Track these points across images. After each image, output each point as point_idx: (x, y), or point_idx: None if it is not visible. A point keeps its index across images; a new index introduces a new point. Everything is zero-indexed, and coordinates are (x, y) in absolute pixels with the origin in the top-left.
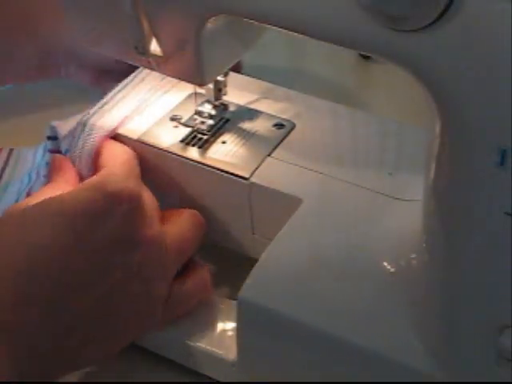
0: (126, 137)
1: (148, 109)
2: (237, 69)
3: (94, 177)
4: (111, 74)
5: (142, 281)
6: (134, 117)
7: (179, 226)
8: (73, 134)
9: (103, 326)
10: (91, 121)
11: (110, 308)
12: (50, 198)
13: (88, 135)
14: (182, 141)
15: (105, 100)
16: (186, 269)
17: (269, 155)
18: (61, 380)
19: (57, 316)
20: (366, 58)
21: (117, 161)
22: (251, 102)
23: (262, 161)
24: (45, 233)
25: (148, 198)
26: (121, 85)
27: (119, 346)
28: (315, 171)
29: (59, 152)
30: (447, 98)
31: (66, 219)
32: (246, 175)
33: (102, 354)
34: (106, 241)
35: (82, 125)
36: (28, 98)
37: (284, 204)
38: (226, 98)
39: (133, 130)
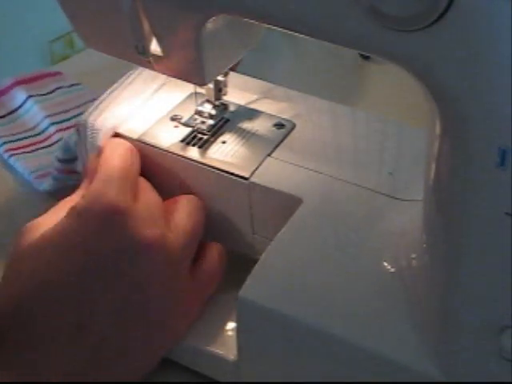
0: (126, 137)
1: (148, 108)
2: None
3: (81, 195)
4: None
5: (157, 285)
6: (134, 115)
7: (180, 214)
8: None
9: (131, 339)
10: (90, 120)
11: (140, 320)
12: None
13: (92, 136)
14: (182, 141)
15: (102, 98)
16: (197, 253)
17: (269, 155)
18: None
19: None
20: (366, 57)
21: (109, 167)
22: (251, 102)
23: (262, 161)
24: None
25: (150, 198)
26: (118, 83)
27: (157, 356)
28: (315, 171)
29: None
30: (447, 97)
31: (63, 253)
32: (246, 175)
33: (137, 369)
34: (103, 257)
35: (83, 125)
36: None
37: (284, 204)
38: (226, 98)
39: (133, 129)
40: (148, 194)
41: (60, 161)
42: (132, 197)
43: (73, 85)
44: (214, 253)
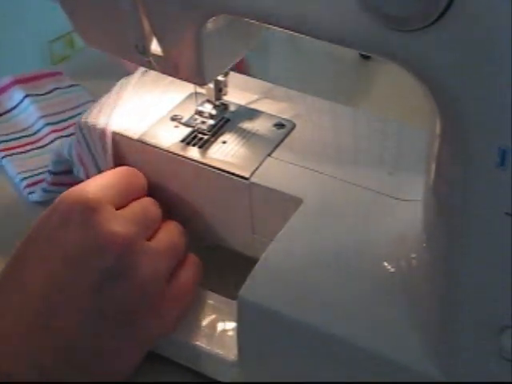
0: (126, 137)
1: (148, 109)
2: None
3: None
4: None
5: (133, 282)
6: (136, 115)
7: (164, 232)
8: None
9: (108, 338)
10: (91, 121)
11: (110, 318)
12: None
13: (95, 137)
14: (182, 141)
15: (104, 100)
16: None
17: (269, 155)
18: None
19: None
20: (366, 57)
21: (101, 176)
22: (251, 102)
23: (263, 161)
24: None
25: (139, 208)
26: (117, 85)
27: (134, 356)
28: (315, 171)
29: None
30: (447, 97)
31: (36, 235)
32: (246, 175)
33: (116, 367)
34: (70, 249)
35: (84, 125)
36: None
37: (284, 204)
38: (226, 98)
39: (133, 129)
40: (139, 205)
41: (52, 173)
42: (114, 202)
43: (71, 85)
44: (191, 265)
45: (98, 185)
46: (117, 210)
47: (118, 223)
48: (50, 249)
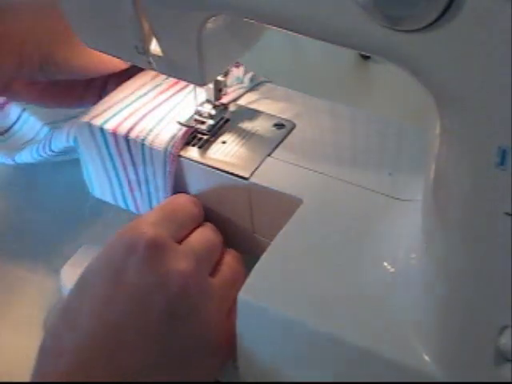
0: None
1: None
2: None
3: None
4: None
5: (195, 322)
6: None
7: (225, 265)
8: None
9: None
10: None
11: (171, 358)
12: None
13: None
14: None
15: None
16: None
17: (269, 155)
18: None
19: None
20: (366, 57)
21: (159, 207)
22: (251, 102)
23: (262, 161)
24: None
25: (199, 241)
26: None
27: None
28: (315, 171)
29: None
30: (447, 97)
31: (94, 274)
32: (246, 175)
33: None
34: (134, 289)
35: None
36: None
37: (284, 204)
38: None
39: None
40: (200, 237)
41: (54, 152)
42: (175, 236)
43: None
44: None
45: (158, 220)
46: (179, 243)
47: (181, 261)
48: (113, 289)
